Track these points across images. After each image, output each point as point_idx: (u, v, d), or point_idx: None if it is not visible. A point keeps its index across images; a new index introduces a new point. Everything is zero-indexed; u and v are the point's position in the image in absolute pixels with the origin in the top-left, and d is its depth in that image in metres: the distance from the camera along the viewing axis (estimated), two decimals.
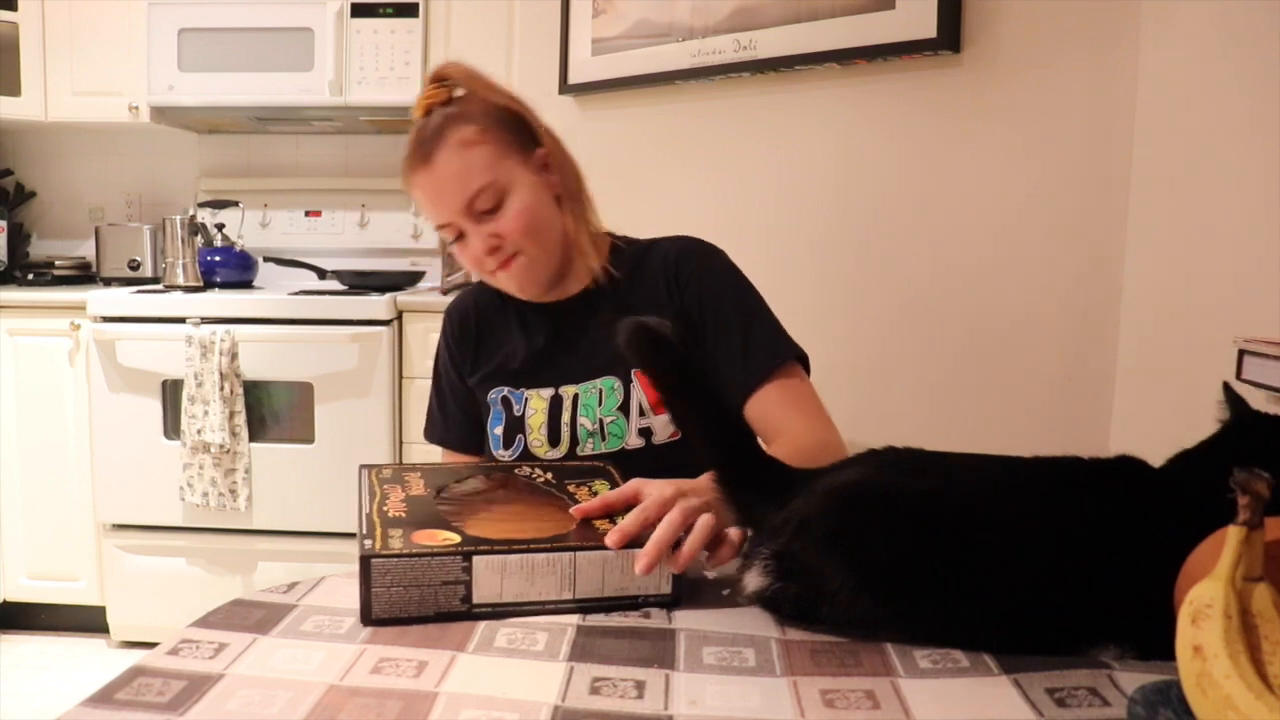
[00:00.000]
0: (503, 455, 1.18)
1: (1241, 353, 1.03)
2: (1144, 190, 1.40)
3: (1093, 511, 0.70)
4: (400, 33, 2.64)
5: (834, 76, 1.69)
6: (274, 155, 3.09)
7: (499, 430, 1.18)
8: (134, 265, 2.90)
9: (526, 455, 1.16)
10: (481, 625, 0.73)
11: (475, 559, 0.74)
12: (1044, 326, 1.52)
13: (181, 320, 2.40)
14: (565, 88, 2.06)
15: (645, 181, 1.98)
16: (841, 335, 1.72)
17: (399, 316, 2.45)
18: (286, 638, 0.70)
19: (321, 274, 2.74)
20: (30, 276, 2.87)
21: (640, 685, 0.63)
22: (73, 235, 3.12)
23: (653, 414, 1.12)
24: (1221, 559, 0.54)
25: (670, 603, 0.77)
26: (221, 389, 2.34)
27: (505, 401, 1.18)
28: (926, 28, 1.53)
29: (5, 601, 2.60)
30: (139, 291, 2.54)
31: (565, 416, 1.15)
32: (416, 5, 2.63)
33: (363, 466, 0.92)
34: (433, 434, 1.29)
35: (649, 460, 1.11)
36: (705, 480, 0.81)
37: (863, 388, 1.70)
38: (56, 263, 2.95)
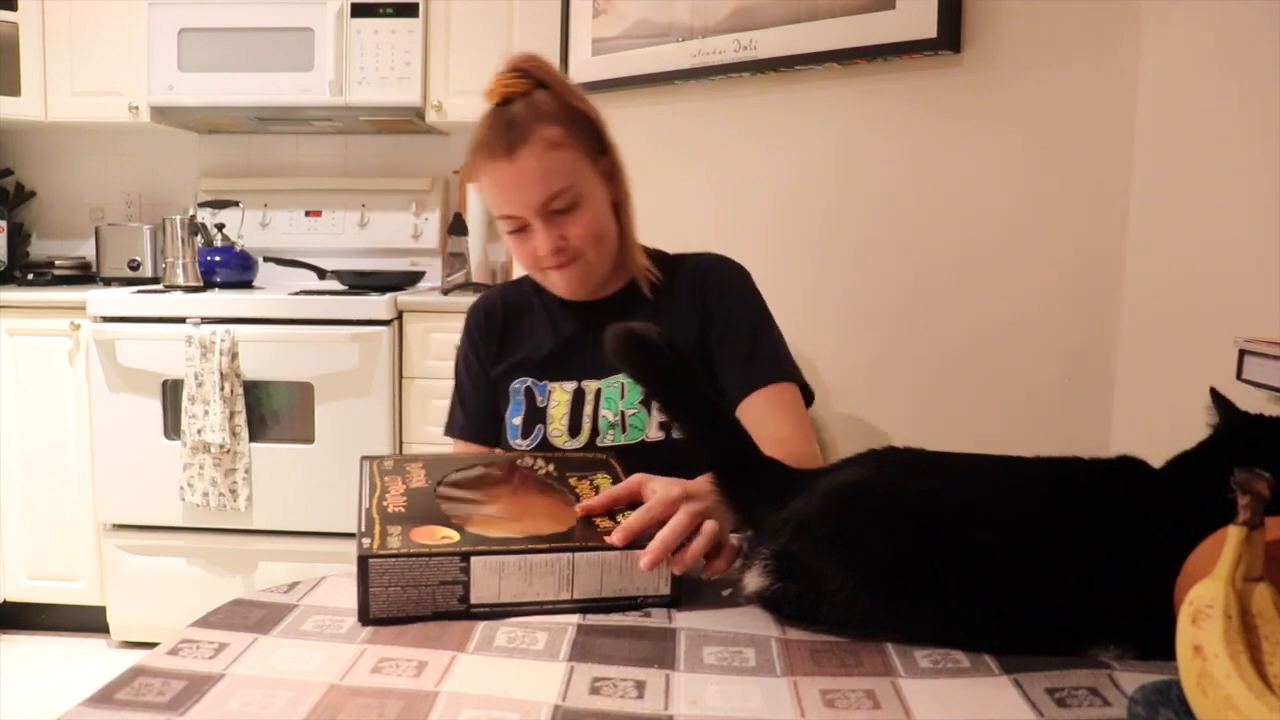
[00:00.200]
0: (520, 444, 1.18)
1: (1241, 353, 1.03)
2: (1144, 190, 1.40)
3: (1093, 512, 0.70)
4: (400, 33, 2.64)
5: (834, 76, 1.69)
6: (274, 155, 3.09)
7: (518, 420, 1.19)
8: (134, 265, 2.90)
9: (545, 445, 1.17)
10: (481, 625, 0.73)
11: (473, 560, 0.74)
12: (1044, 326, 1.52)
13: (181, 320, 2.40)
14: None
15: (645, 181, 1.97)
16: (841, 335, 1.72)
17: (399, 316, 2.45)
18: (287, 638, 0.70)
19: (321, 274, 2.74)
20: (30, 276, 2.87)
21: (640, 685, 0.63)
22: (73, 235, 3.12)
23: None
24: (1222, 559, 0.54)
25: (669, 604, 0.77)
26: (221, 389, 2.34)
27: (528, 393, 1.20)
28: (927, 28, 1.53)
29: (5, 601, 2.60)
30: (139, 291, 2.54)
31: (588, 409, 1.16)
32: (416, 5, 2.63)
33: (364, 458, 0.92)
34: (452, 429, 1.30)
35: (667, 454, 1.11)
36: (705, 482, 0.81)
37: (863, 388, 1.70)
38: (56, 263, 2.95)
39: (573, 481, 0.89)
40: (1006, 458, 0.76)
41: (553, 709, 0.60)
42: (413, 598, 0.73)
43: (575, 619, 0.74)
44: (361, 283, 2.67)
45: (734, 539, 0.82)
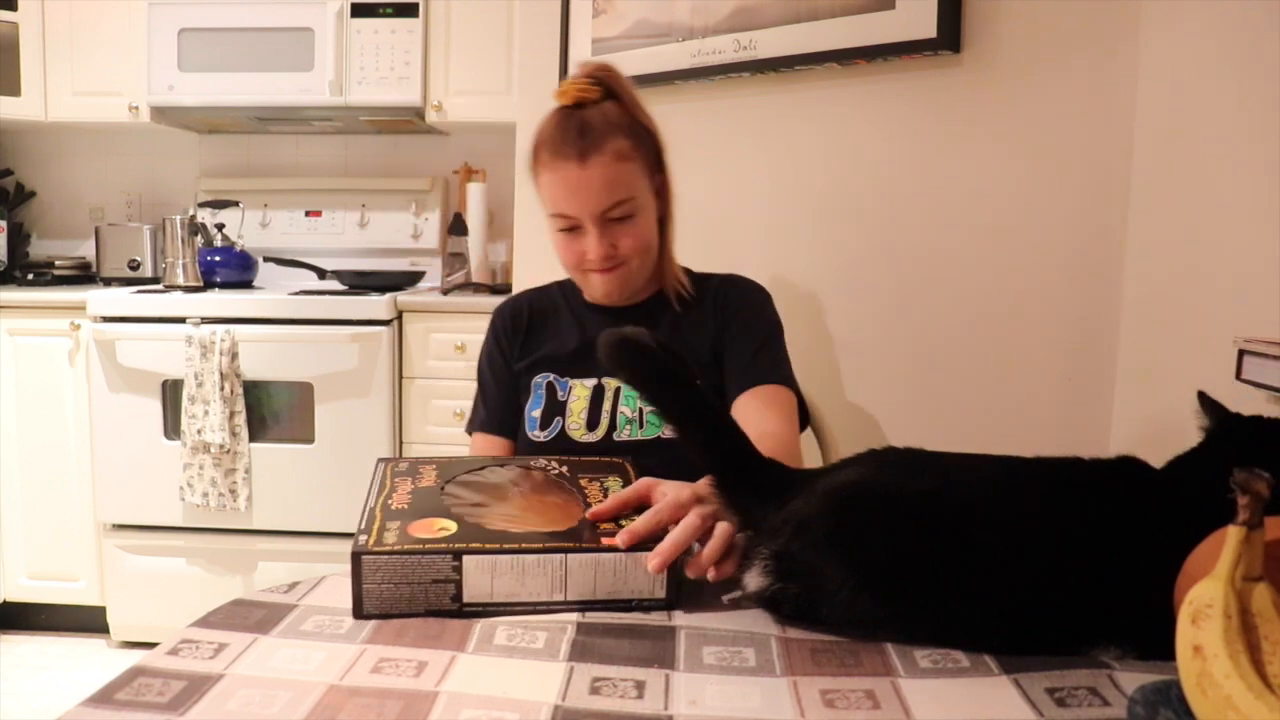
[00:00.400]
0: (537, 436, 1.21)
1: (1241, 353, 1.03)
2: (1144, 190, 1.40)
3: (1093, 512, 0.70)
4: (400, 33, 2.64)
5: (834, 76, 1.69)
6: (274, 155, 3.09)
7: (537, 413, 1.23)
8: (134, 265, 2.90)
9: (562, 438, 1.20)
10: (480, 624, 0.73)
11: (465, 559, 0.73)
12: (1044, 327, 1.52)
13: (181, 320, 2.40)
14: None
15: None
16: (840, 335, 1.72)
17: (399, 316, 2.45)
18: (287, 638, 0.70)
19: (321, 274, 2.74)
20: (30, 276, 2.87)
21: (640, 685, 0.63)
22: (73, 235, 3.12)
23: None
24: (1221, 559, 0.54)
25: (665, 607, 0.77)
26: (221, 389, 2.34)
27: (549, 387, 1.24)
28: (926, 28, 1.53)
29: (5, 601, 2.60)
30: (139, 291, 2.54)
31: (606, 405, 1.20)
32: (416, 5, 2.63)
33: (380, 460, 0.93)
34: (473, 424, 1.32)
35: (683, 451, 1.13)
36: (705, 484, 0.81)
37: (862, 389, 1.70)
38: (56, 263, 2.95)
39: (583, 483, 0.89)
40: (1006, 458, 0.76)
41: (553, 709, 0.60)
42: (405, 595, 0.73)
43: (574, 618, 0.74)
44: (361, 283, 2.67)
45: (737, 539, 0.82)
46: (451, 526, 0.77)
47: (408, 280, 2.74)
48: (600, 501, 0.84)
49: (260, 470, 2.41)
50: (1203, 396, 0.80)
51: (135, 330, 2.42)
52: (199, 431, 2.35)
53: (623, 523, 0.79)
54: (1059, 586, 0.67)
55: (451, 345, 2.43)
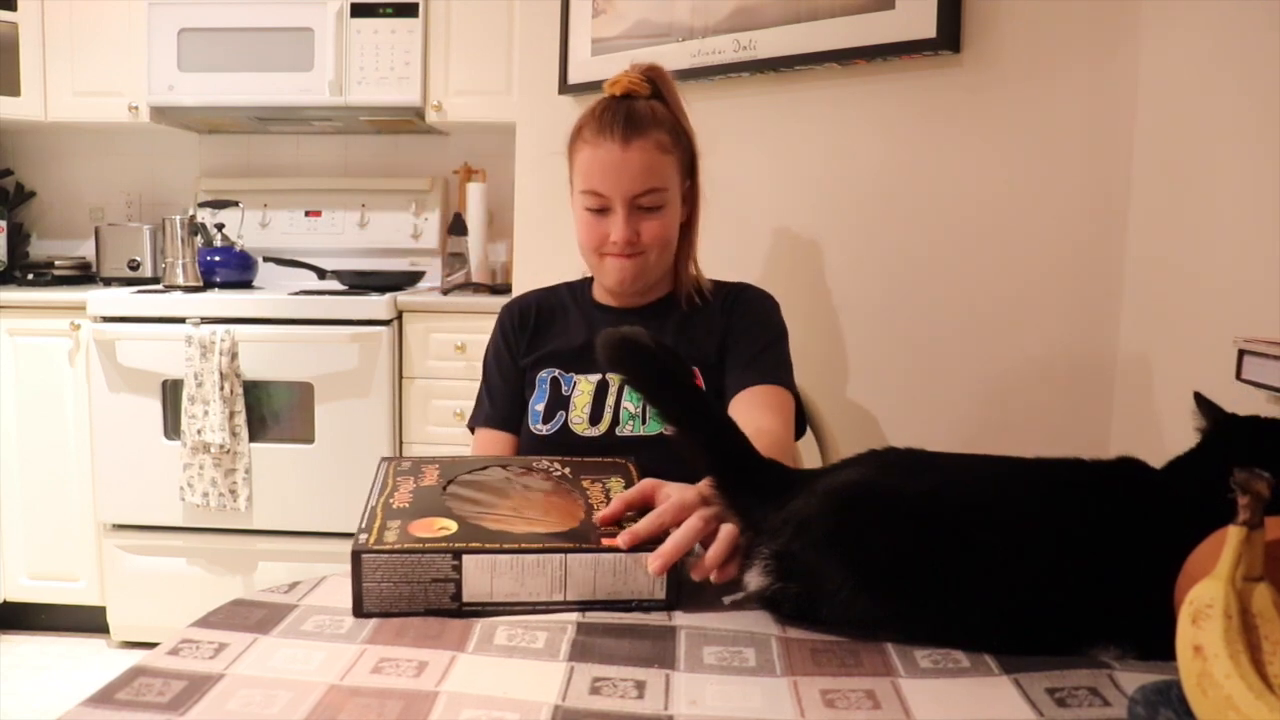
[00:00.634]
0: (540, 430, 1.23)
1: (1241, 353, 1.03)
2: (1144, 190, 1.40)
3: (1093, 512, 0.70)
4: (400, 33, 2.64)
5: (833, 76, 1.69)
6: (274, 155, 3.09)
7: (540, 406, 1.24)
8: (134, 265, 2.90)
9: (565, 432, 1.21)
10: (480, 624, 0.73)
11: (465, 558, 0.73)
12: (1044, 327, 1.52)
13: (181, 320, 2.40)
14: (565, 88, 2.05)
15: None
16: (839, 336, 1.72)
17: (399, 316, 2.45)
18: (287, 638, 0.70)
19: (321, 274, 2.74)
20: (30, 276, 2.87)
21: (640, 685, 0.63)
22: (73, 235, 3.12)
23: None
24: (1221, 559, 0.54)
25: (665, 608, 0.77)
26: (221, 389, 2.34)
27: (554, 382, 1.26)
28: (926, 28, 1.53)
29: (5, 601, 2.60)
30: (139, 291, 2.54)
31: (610, 400, 1.22)
32: (416, 5, 2.63)
33: (383, 459, 0.93)
34: (476, 419, 1.33)
35: None
36: (707, 485, 0.81)
37: (862, 389, 1.70)
38: (56, 263, 2.95)
39: (585, 484, 0.89)
40: (1006, 458, 0.76)
41: (553, 709, 0.60)
42: (405, 594, 0.73)
43: (574, 617, 0.74)
44: (361, 283, 2.67)
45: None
46: (452, 526, 0.77)
47: (408, 280, 2.74)
48: (602, 502, 0.84)
49: (260, 470, 2.41)
50: (1199, 397, 0.80)
51: (135, 330, 2.42)
52: (199, 431, 2.35)
53: (624, 525, 0.79)
54: (1059, 587, 0.67)
55: (451, 345, 2.43)
